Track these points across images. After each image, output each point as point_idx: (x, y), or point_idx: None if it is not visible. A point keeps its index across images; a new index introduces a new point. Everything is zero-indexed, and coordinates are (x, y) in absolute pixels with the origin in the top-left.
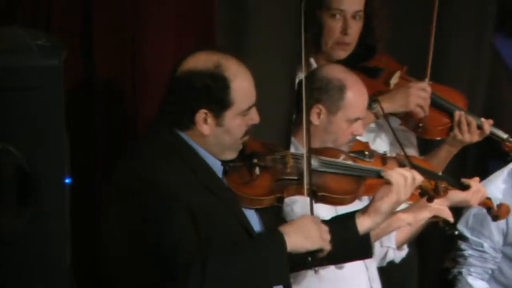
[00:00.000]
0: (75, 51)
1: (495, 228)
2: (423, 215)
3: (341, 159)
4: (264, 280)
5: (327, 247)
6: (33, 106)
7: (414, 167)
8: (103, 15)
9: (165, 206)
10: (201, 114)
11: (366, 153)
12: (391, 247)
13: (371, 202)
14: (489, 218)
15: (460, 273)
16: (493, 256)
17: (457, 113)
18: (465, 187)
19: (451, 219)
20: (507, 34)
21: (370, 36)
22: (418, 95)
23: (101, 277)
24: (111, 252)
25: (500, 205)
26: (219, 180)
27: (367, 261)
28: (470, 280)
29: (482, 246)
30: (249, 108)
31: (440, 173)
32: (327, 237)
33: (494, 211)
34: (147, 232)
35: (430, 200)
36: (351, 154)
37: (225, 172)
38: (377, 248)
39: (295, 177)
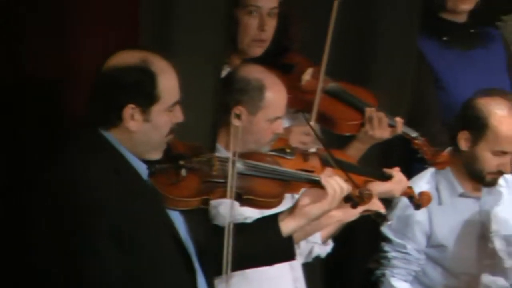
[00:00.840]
0: (2, 50)
1: (419, 230)
2: (354, 212)
3: (267, 163)
4: None
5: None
6: None
7: (336, 161)
8: (31, 13)
9: (86, 217)
10: (128, 109)
11: (288, 150)
12: (316, 243)
13: (299, 205)
14: (412, 220)
15: (383, 274)
16: (416, 258)
17: (368, 109)
18: (387, 178)
19: (382, 210)
20: (429, 35)
21: (283, 34)
22: (297, 139)
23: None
24: (32, 254)
25: (421, 193)
26: (143, 182)
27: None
28: (393, 281)
29: (405, 248)
30: (174, 104)
31: (362, 167)
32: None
33: (416, 200)
34: (67, 242)
35: (354, 206)
36: (272, 153)
37: (151, 174)
38: (303, 245)
39: (221, 180)
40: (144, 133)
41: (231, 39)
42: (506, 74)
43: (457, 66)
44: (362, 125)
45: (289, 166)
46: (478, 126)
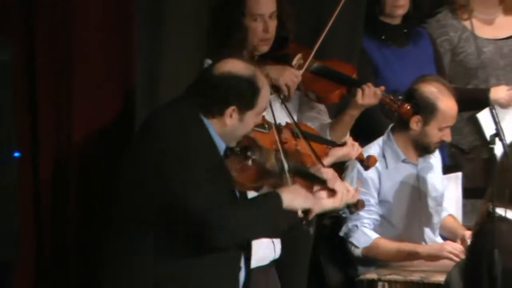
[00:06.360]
0: (20, 47)
1: (372, 186)
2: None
3: (302, 165)
4: (269, 228)
5: (315, 207)
6: None
7: (302, 132)
8: (43, 18)
9: (189, 160)
10: (230, 109)
11: (265, 126)
12: None
13: (319, 197)
14: (368, 179)
15: (355, 226)
16: (377, 209)
17: (365, 86)
18: (343, 144)
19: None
20: (371, 35)
21: (283, 29)
22: (289, 78)
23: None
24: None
25: (369, 157)
26: (221, 157)
27: None
28: (365, 230)
29: (369, 201)
30: (263, 111)
31: (322, 137)
32: (314, 198)
33: (366, 162)
34: (177, 175)
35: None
36: (255, 128)
37: (225, 156)
38: None
39: (276, 173)
40: (233, 128)
41: (241, 41)
42: (433, 65)
43: (394, 60)
44: (347, 91)
45: (267, 137)
46: (429, 110)
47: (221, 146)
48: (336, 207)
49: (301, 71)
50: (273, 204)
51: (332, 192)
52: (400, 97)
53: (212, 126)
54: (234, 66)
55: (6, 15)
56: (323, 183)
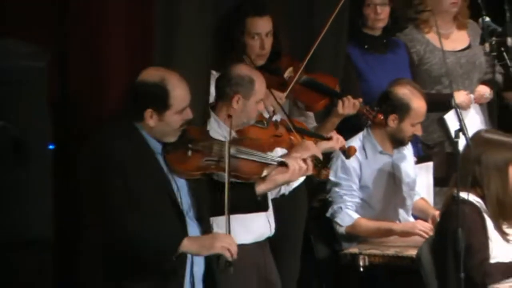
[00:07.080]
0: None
1: (354, 173)
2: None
3: (253, 149)
4: (149, 252)
5: (226, 253)
6: (26, 94)
7: (295, 128)
8: (74, 29)
9: (108, 174)
10: (148, 112)
11: (264, 122)
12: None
13: (271, 174)
14: (351, 168)
15: (340, 208)
16: (358, 193)
17: (345, 98)
18: (329, 138)
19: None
20: (355, 44)
21: (275, 42)
22: (270, 103)
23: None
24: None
25: (349, 147)
26: (154, 157)
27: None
28: (349, 212)
29: (351, 187)
30: (184, 108)
31: (312, 131)
32: (228, 246)
33: (347, 152)
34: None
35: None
36: (254, 124)
37: (166, 152)
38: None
39: (216, 159)
40: (159, 128)
41: (241, 54)
42: (409, 70)
43: (375, 66)
44: (330, 101)
45: (265, 132)
46: (403, 110)
47: (155, 145)
48: (291, 180)
49: (285, 94)
50: (169, 241)
51: (285, 168)
52: (375, 108)
53: (144, 129)
54: (146, 74)
55: (41, 23)
56: (273, 164)
